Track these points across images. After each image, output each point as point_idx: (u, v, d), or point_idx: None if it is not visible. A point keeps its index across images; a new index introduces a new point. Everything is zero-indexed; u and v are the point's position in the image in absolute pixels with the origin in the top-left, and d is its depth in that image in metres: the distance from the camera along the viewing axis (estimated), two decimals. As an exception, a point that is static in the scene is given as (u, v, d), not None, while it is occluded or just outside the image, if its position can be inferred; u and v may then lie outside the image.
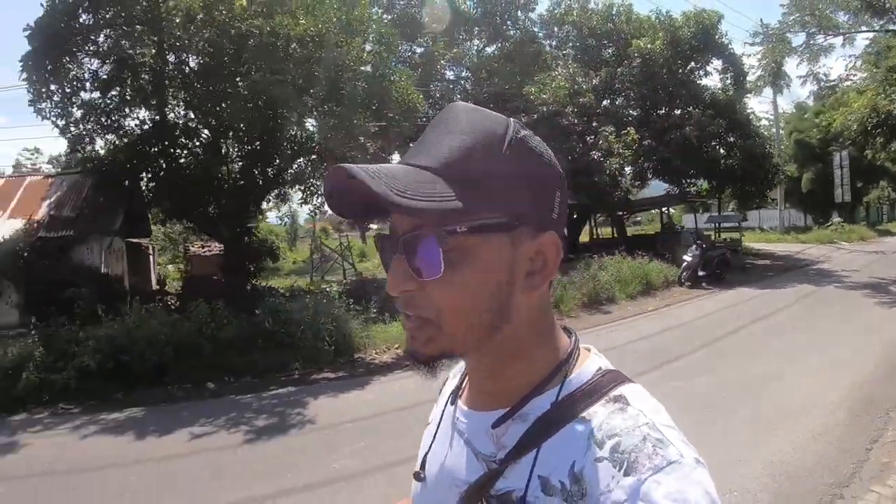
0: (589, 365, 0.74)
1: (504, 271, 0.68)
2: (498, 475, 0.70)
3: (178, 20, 10.69)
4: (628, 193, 18.07)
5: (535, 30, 20.27)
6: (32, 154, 40.27)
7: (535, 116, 15.12)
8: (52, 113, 12.30)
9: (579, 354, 0.76)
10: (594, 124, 17.34)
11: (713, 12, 19.60)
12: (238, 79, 11.49)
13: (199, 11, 10.44)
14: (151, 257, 18.91)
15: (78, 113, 12.60)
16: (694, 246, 15.04)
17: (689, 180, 19.95)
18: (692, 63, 19.54)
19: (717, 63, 20.16)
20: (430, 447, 0.85)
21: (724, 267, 15.44)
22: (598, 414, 0.67)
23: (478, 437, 0.76)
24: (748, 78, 20.22)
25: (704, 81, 20.37)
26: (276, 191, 14.64)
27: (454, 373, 0.94)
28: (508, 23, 19.48)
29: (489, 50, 20.06)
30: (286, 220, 22.55)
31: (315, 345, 8.74)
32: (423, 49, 19.11)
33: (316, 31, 10.21)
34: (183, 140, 13.16)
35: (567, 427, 0.68)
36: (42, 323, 8.54)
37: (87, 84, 12.32)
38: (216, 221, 13.40)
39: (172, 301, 13.19)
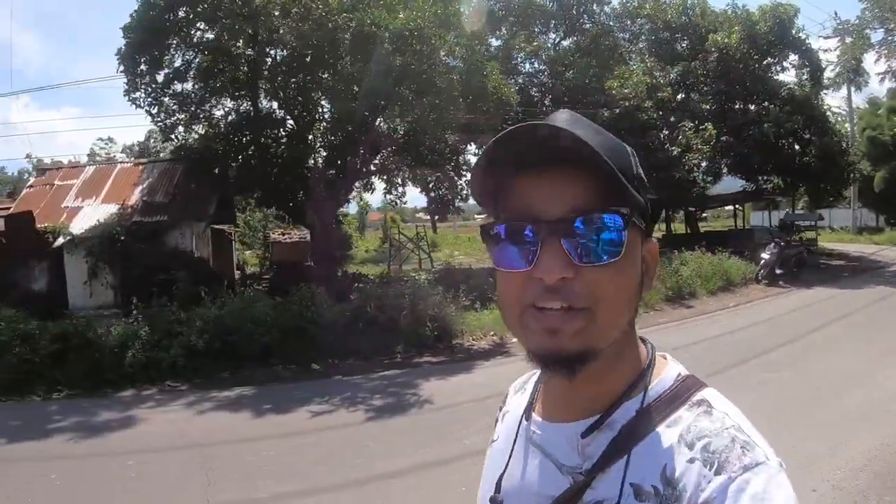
0: (669, 371, 0.76)
1: (640, 268, 0.71)
2: (586, 487, 0.70)
3: (276, 13, 11.26)
4: (705, 189, 18.28)
5: (611, 23, 20.43)
6: (106, 143, 42.42)
7: (617, 111, 15.47)
8: (146, 102, 13.30)
9: (657, 361, 0.77)
10: (671, 119, 17.61)
11: (789, 6, 19.51)
12: (331, 70, 12.16)
13: (293, 5, 10.98)
14: (233, 243, 19.89)
15: (171, 103, 13.58)
16: (772, 244, 15.23)
17: (764, 177, 19.95)
18: (769, 58, 19.51)
19: (793, 58, 20.07)
20: (505, 468, 0.83)
21: (801, 266, 15.60)
22: (685, 418, 0.69)
23: (560, 449, 0.75)
24: (825, 74, 20.10)
25: (781, 77, 20.31)
26: (363, 180, 15.39)
27: (516, 388, 0.95)
28: (585, 16, 19.74)
29: (565, 43, 20.36)
30: (364, 209, 23.39)
31: (416, 329, 9.28)
32: (500, 42, 19.57)
33: (414, 24, 10.71)
34: (273, 130, 13.99)
35: (654, 432, 0.69)
36: (143, 304, 9.09)
37: (181, 75, 13.20)
38: (304, 209, 14.18)
39: (264, 286, 14.07)
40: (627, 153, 0.71)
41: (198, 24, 12.56)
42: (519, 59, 19.35)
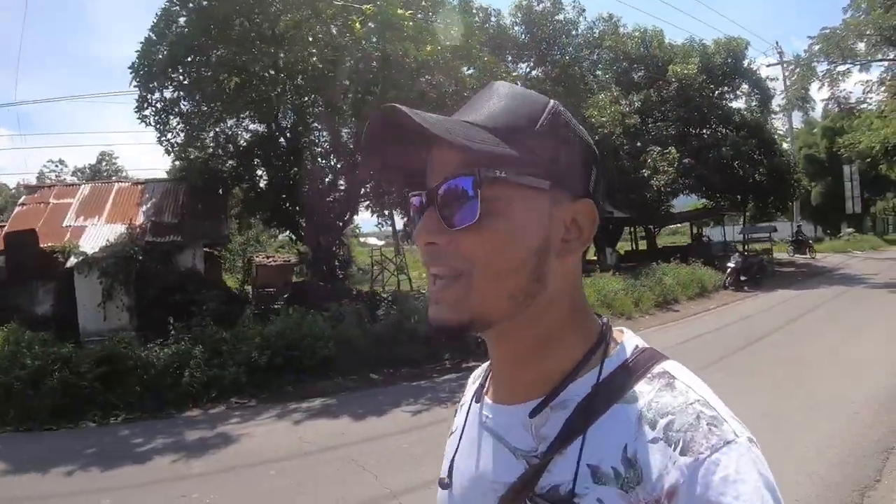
0: (625, 343, 0.74)
1: (540, 231, 0.69)
2: (541, 471, 0.68)
3: (309, 38, 11.95)
4: (671, 208, 20.52)
5: (579, 54, 22.55)
6: (57, 165, 42.19)
7: (596, 138, 17.41)
8: (153, 120, 13.98)
9: (613, 334, 0.75)
10: (637, 144, 19.76)
11: (741, 39, 22.27)
12: (349, 96, 13.35)
13: (318, 32, 11.93)
14: (222, 265, 20.54)
15: (175, 122, 14.32)
16: (736, 254, 17.47)
17: (720, 195, 22.38)
18: (723, 87, 22.07)
19: (744, 87, 22.71)
20: (455, 451, 0.83)
21: (762, 272, 17.88)
22: (645, 392, 0.67)
23: (512, 432, 0.73)
24: (775, 100, 22.94)
25: (734, 104, 22.94)
26: (365, 203, 16.70)
27: (474, 378, 0.94)
28: (555, 48, 21.79)
29: (534, 73, 22.36)
30: (354, 231, 24.60)
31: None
32: (474, 70, 21.35)
33: (440, 56, 11.96)
34: (287, 152, 15.01)
35: (612, 409, 0.67)
36: (179, 325, 9.26)
37: (191, 94, 13.74)
38: (311, 230, 15.29)
39: (279, 304, 15.02)
40: (531, 111, 0.70)
41: (219, 46, 12.88)
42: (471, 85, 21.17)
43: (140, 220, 14.61)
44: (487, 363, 0.87)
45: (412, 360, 9.60)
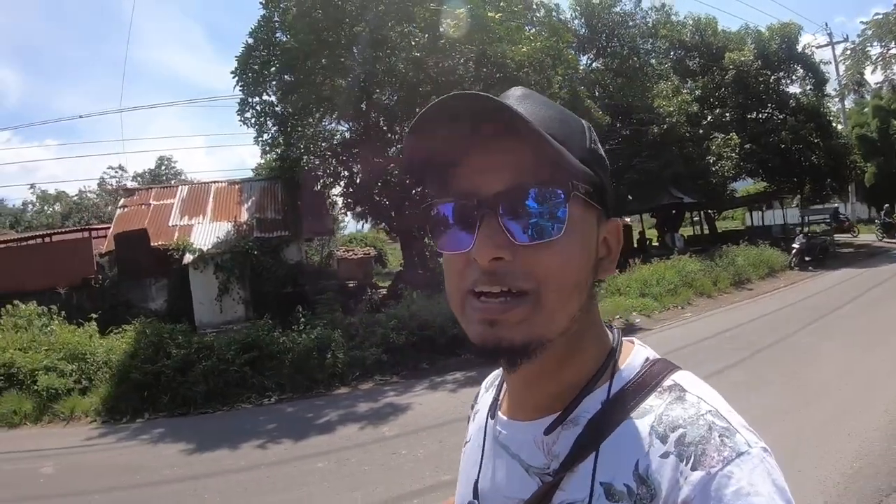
0: (636, 357, 0.74)
1: (594, 249, 0.70)
2: (554, 488, 0.69)
3: (413, 42, 13.10)
4: (734, 192, 21.83)
5: (637, 44, 23.78)
6: (117, 171, 44.59)
7: (664, 127, 18.81)
8: (252, 123, 15.27)
9: (623, 347, 0.76)
10: (700, 131, 21.07)
11: (794, 24, 23.34)
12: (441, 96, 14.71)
13: (416, 35, 13.07)
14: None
15: (271, 123, 15.51)
16: (801, 235, 18.77)
17: (780, 178, 23.56)
18: (779, 72, 23.19)
19: (800, 71, 23.79)
20: (479, 471, 0.82)
21: (825, 252, 19.15)
22: (655, 406, 0.67)
23: (525, 449, 0.74)
24: (829, 84, 24.03)
25: (790, 89, 24.05)
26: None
27: (486, 386, 0.96)
28: (614, 39, 23.08)
29: (595, 65, 23.70)
30: None
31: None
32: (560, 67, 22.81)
33: (535, 56, 13.33)
34: (383, 148, 16.37)
35: (623, 425, 0.67)
36: (306, 313, 10.16)
37: (291, 97, 14.60)
38: (402, 221, 16.81)
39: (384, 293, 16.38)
40: (579, 128, 0.71)
41: (324, 51, 13.76)
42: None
43: (244, 217, 16.08)
44: (498, 371, 0.90)
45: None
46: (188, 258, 13.85)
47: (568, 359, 0.72)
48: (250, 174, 23.34)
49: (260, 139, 16.20)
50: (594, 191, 0.68)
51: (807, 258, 18.31)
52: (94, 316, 10.56)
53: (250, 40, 14.57)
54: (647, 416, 0.67)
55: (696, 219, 27.19)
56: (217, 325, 12.58)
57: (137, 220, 16.25)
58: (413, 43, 13.17)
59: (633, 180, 18.69)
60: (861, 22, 21.07)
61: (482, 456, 0.83)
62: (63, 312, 10.94)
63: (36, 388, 8.75)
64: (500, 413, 0.82)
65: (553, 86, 14.01)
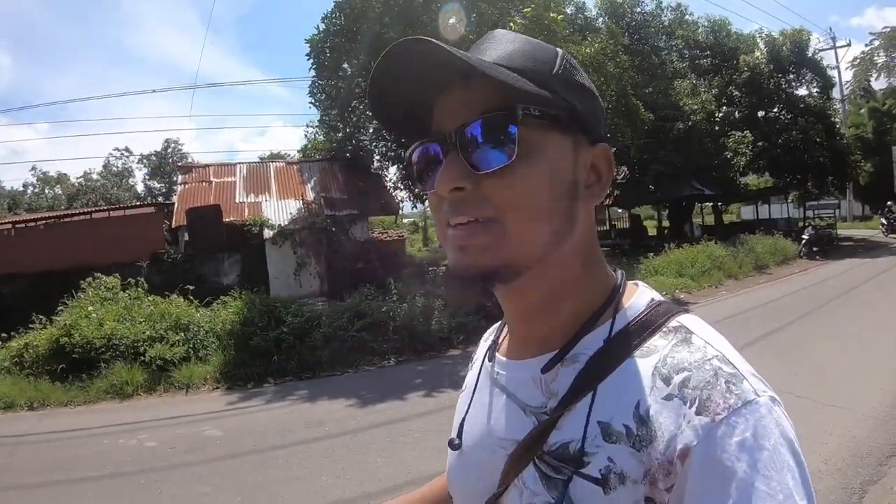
0: (640, 297, 0.75)
1: (569, 173, 0.70)
2: (551, 427, 0.69)
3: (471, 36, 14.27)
4: (748, 186, 24.04)
5: (658, 43, 25.76)
6: (122, 153, 45.82)
7: (689, 124, 20.84)
8: (323, 104, 16.67)
9: (627, 288, 0.76)
10: (715, 128, 23.17)
11: (805, 31, 25.57)
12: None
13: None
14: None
15: (331, 108, 16.90)
16: (809, 227, 21.00)
17: (787, 175, 25.82)
18: (790, 75, 25.39)
19: (808, 75, 26.02)
20: (466, 411, 0.85)
21: (830, 243, 21.42)
22: (660, 347, 0.67)
23: (523, 388, 0.75)
24: (835, 89, 26.39)
25: (799, 91, 26.31)
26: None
27: (486, 337, 0.97)
28: (636, 38, 25.05)
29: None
30: None
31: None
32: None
33: (596, 57, 15.02)
34: None
35: (625, 364, 0.67)
36: (398, 284, 11.02)
37: (357, 83, 15.70)
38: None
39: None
40: (547, 57, 0.71)
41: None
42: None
43: (310, 196, 17.15)
44: (500, 322, 0.92)
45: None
46: (267, 233, 14.79)
47: (563, 293, 0.73)
48: (238, 156, 24.78)
49: (325, 119, 17.74)
50: (566, 115, 0.69)
51: (814, 248, 20.53)
52: (188, 287, 11.08)
53: (322, 25, 15.93)
54: (651, 356, 0.66)
55: (704, 210, 29.44)
56: (294, 299, 12.66)
57: (202, 196, 17.11)
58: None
59: (659, 172, 20.72)
60: (870, 34, 23.42)
61: (472, 396, 0.86)
62: (146, 285, 11.47)
63: (144, 358, 9.14)
64: (498, 355, 0.83)
65: (611, 86, 15.82)
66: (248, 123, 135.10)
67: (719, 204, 28.13)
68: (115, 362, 9.03)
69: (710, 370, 0.62)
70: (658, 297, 0.75)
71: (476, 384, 0.86)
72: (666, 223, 27.26)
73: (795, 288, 14.24)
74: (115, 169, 45.73)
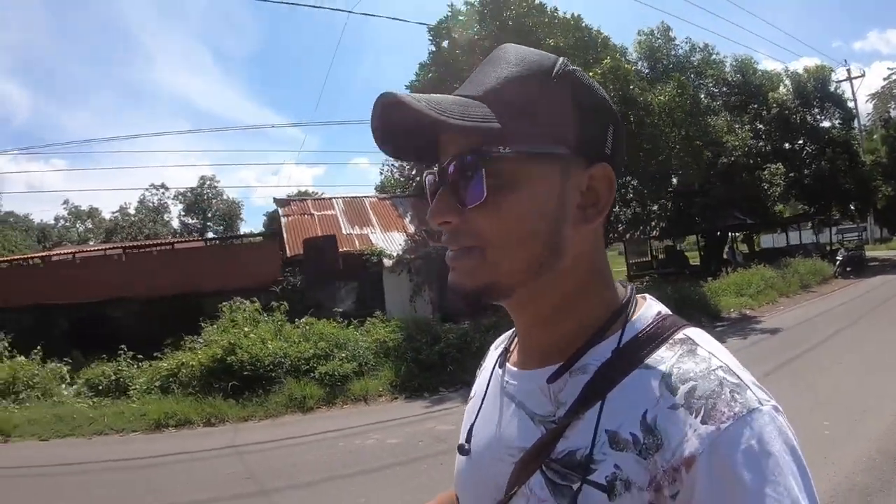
0: (648, 310, 0.80)
1: (552, 201, 0.74)
2: (558, 436, 0.73)
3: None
4: (782, 214, 27.09)
5: (693, 83, 28.83)
6: (158, 189, 48.62)
7: (732, 159, 23.83)
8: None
9: (636, 301, 0.82)
10: (751, 161, 26.21)
11: (827, 67, 28.90)
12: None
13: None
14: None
15: None
16: (843, 249, 24.02)
17: (816, 202, 28.86)
18: (815, 109, 28.57)
19: (831, 108, 29.24)
20: (476, 417, 0.91)
21: (862, 264, 24.41)
22: (666, 358, 0.72)
23: (531, 397, 0.80)
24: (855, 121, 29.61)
25: (824, 124, 29.47)
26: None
27: (496, 345, 1.04)
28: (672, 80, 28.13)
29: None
30: None
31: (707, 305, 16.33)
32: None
33: (668, 104, 17.96)
34: None
35: (633, 374, 0.72)
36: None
37: None
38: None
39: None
40: (541, 74, 0.75)
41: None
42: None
43: (411, 228, 19.32)
44: (511, 331, 0.97)
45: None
46: (387, 262, 16.49)
47: (567, 307, 0.78)
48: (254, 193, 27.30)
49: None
50: (548, 138, 0.73)
51: (848, 269, 23.46)
52: (340, 309, 12.84)
53: (426, 61, 18.22)
54: (658, 367, 0.71)
55: (736, 238, 32.44)
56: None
57: (309, 227, 19.02)
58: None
59: (704, 204, 23.62)
60: (888, 68, 26.88)
61: (482, 403, 0.91)
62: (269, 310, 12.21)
63: (314, 375, 10.14)
64: (508, 364, 0.89)
65: (680, 130, 18.59)
66: (261, 160, 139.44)
67: (750, 232, 31.11)
68: (287, 379, 9.99)
69: (715, 380, 0.67)
70: (665, 310, 0.81)
71: (486, 392, 0.92)
72: (700, 252, 30.19)
73: (846, 299, 17.15)
74: (150, 204, 48.39)
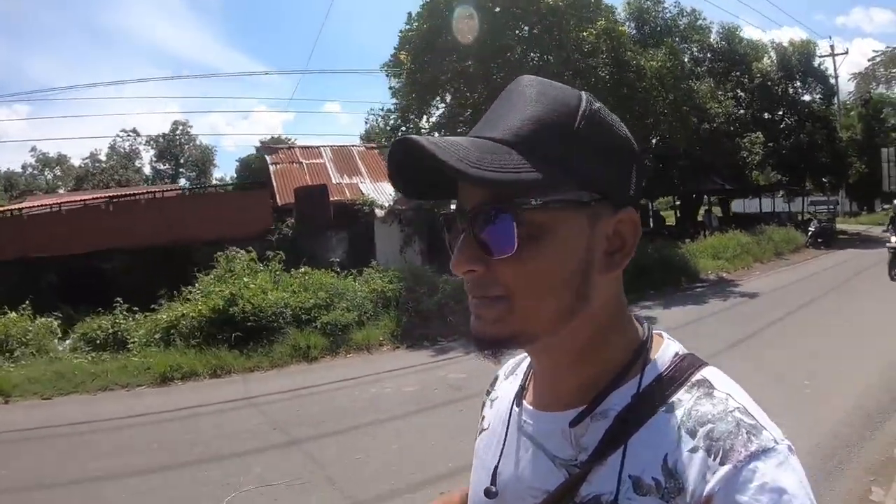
0: (666, 351, 0.80)
1: (581, 250, 0.73)
2: (581, 480, 0.74)
3: (586, 48, 16.58)
4: (758, 182, 27.79)
5: (679, 47, 29.09)
6: (129, 134, 47.71)
7: (714, 125, 24.28)
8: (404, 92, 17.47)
9: (653, 341, 0.81)
10: (731, 128, 26.73)
11: (812, 42, 29.40)
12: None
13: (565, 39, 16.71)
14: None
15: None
16: (815, 221, 24.79)
17: (791, 173, 29.60)
18: (797, 82, 29.13)
19: (814, 83, 29.84)
20: (499, 458, 0.88)
21: (833, 236, 25.24)
22: (684, 401, 0.73)
23: (552, 440, 0.80)
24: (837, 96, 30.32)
25: (804, 97, 30.08)
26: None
27: (506, 372, 1.04)
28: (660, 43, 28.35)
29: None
30: None
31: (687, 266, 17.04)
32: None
33: (660, 71, 18.05)
34: None
35: (653, 419, 0.73)
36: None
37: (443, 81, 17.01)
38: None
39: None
40: (565, 118, 0.72)
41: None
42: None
43: None
44: (519, 359, 1.01)
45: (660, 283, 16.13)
46: (379, 213, 16.70)
47: (590, 352, 0.78)
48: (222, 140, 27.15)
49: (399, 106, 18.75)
50: (575, 185, 0.71)
51: (819, 240, 24.27)
52: (337, 259, 12.89)
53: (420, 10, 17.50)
54: (677, 410, 0.72)
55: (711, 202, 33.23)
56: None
57: (297, 176, 19.16)
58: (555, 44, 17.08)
59: (685, 167, 24.18)
60: (873, 51, 27.68)
61: (504, 443, 0.89)
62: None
63: (315, 325, 10.32)
64: (525, 403, 0.88)
65: (668, 97, 18.88)
66: (232, 107, 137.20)
67: (725, 197, 31.86)
68: (288, 329, 10.10)
69: (733, 422, 0.69)
70: (682, 349, 0.81)
71: (506, 431, 0.90)
72: (675, 214, 30.90)
73: (820, 268, 17.92)
74: (121, 151, 47.54)
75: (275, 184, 19.15)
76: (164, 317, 10.49)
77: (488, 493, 0.86)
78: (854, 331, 9.44)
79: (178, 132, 49.57)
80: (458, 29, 16.12)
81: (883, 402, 6.25)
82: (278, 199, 18.27)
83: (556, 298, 0.73)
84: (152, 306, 11.18)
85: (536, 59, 17.55)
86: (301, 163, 20.81)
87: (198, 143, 48.79)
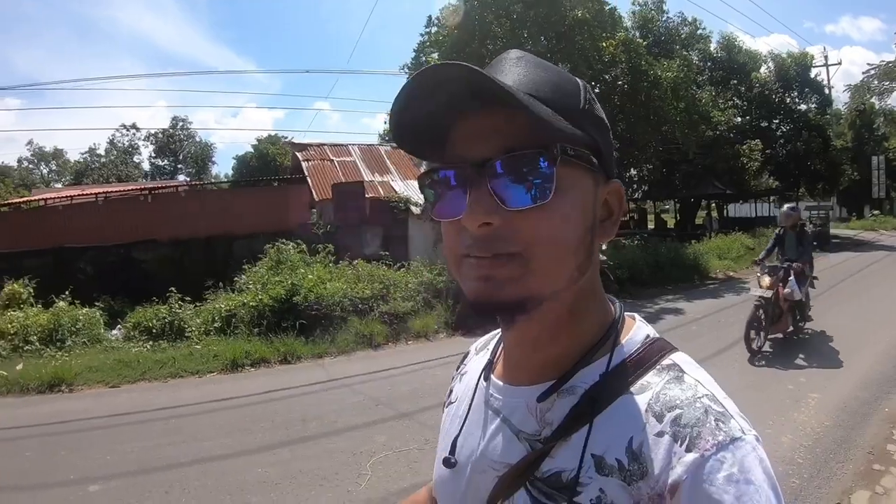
0: (637, 333, 0.81)
1: (591, 210, 0.75)
2: (544, 455, 0.74)
3: (605, 58, 17.97)
4: (756, 188, 29.42)
5: (680, 55, 30.61)
6: (129, 130, 48.33)
7: (717, 133, 25.79)
8: None
9: (625, 322, 0.82)
10: (731, 135, 28.28)
11: (808, 54, 31.09)
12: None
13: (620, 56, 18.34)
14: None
15: None
16: (811, 225, 26.35)
17: (788, 178, 31.24)
18: (794, 92, 30.78)
19: (810, 94, 31.53)
20: (461, 429, 0.89)
21: (827, 240, 26.82)
22: (653, 384, 0.73)
23: (517, 414, 0.80)
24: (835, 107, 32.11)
25: (801, 107, 31.76)
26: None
27: (477, 348, 1.05)
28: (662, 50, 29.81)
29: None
30: None
31: (698, 265, 18.37)
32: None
33: (674, 81, 19.40)
34: None
35: (620, 400, 0.73)
36: None
37: None
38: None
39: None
40: (573, 90, 0.75)
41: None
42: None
43: None
44: (491, 335, 1.00)
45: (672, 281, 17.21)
46: (414, 210, 16.95)
47: (568, 324, 0.78)
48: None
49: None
50: (589, 152, 0.73)
51: (814, 243, 25.73)
52: (386, 253, 13.30)
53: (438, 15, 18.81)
54: (645, 392, 0.72)
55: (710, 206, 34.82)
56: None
57: (331, 173, 19.82)
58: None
59: (687, 172, 25.65)
60: (868, 63, 29.65)
61: (467, 414, 0.90)
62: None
63: (374, 314, 10.64)
64: (493, 377, 0.88)
65: (681, 105, 20.17)
66: (222, 103, 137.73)
67: (723, 202, 33.46)
68: (350, 318, 10.36)
69: (701, 408, 0.68)
70: (653, 332, 0.81)
71: (471, 403, 0.90)
72: (676, 217, 32.42)
73: (822, 268, 19.15)
74: (120, 146, 48.10)
75: (310, 180, 19.77)
76: (224, 306, 10.76)
77: (447, 463, 0.88)
78: (859, 322, 10.86)
79: (178, 127, 50.31)
80: (489, 34, 17.27)
81: None
82: (315, 195, 18.88)
83: (575, 256, 0.73)
84: (204, 296, 11.56)
85: (560, 66, 18.65)
86: (332, 160, 21.54)
87: (197, 139, 49.53)
